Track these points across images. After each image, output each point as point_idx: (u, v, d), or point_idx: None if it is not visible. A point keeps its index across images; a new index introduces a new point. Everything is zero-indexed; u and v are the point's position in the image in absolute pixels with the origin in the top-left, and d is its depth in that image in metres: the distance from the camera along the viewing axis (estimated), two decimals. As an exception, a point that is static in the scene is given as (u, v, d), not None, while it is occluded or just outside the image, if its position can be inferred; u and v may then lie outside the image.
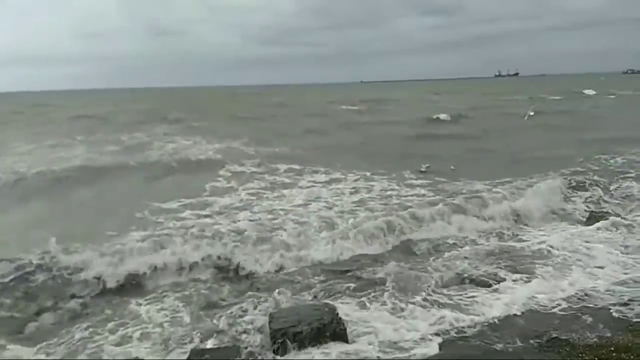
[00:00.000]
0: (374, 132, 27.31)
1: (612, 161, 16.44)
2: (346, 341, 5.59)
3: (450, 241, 9.26)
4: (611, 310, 5.84)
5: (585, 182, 13.10)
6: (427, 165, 16.66)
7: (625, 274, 7.18)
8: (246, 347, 5.53)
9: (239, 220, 10.31)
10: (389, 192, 12.79)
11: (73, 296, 7.29)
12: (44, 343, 5.94)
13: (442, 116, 34.09)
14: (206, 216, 10.89)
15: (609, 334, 5.19)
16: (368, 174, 15.04)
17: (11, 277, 7.49)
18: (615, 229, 9.23)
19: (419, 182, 13.99)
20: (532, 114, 27.45)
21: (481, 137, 25.01)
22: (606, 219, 9.69)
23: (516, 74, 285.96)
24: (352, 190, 13.10)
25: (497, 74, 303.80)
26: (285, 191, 13.14)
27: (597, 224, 9.51)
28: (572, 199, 12.01)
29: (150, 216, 10.78)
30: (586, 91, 62.63)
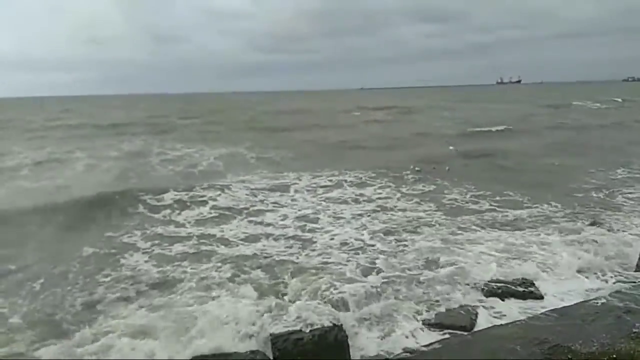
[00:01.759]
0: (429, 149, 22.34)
1: None
2: (347, 348, 5.61)
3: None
4: (613, 318, 5.81)
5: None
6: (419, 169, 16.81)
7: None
8: (247, 354, 5.49)
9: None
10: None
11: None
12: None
13: (495, 128, 30.89)
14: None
15: (610, 342, 5.15)
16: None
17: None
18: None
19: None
20: (452, 148, 20.17)
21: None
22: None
23: (518, 82, 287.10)
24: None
25: (499, 81, 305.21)
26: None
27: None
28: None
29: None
30: (616, 98, 63.48)
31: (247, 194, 13.90)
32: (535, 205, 12.43)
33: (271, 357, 5.42)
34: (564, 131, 30.64)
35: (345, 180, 15.68)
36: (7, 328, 6.48)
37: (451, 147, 20.31)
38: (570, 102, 59.75)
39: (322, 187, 14.90)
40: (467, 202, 13.05)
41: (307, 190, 14.45)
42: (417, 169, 17.10)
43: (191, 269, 8.46)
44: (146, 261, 8.90)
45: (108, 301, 7.23)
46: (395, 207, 12.68)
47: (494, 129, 30.97)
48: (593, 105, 55.72)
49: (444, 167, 17.66)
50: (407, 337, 5.99)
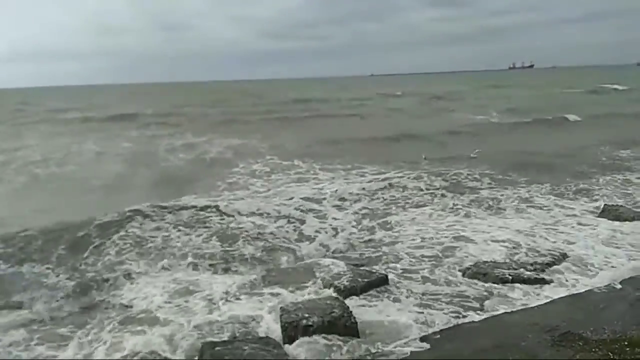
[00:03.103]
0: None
1: None
2: (357, 335, 5.61)
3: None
4: (626, 305, 5.77)
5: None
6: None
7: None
8: (257, 340, 5.54)
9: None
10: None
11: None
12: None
13: (571, 117, 27.68)
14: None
15: (622, 329, 5.12)
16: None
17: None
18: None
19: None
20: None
21: None
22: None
23: (531, 66, 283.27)
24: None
25: (512, 66, 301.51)
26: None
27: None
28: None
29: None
30: None
31: (256, 180, 13.99)
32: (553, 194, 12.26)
33: (282, 344, 5.46)
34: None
35: (365, 172, 15.04)
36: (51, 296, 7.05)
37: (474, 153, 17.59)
38: (599, 85, 57.36)
39: (337, 176, 14.73)
40: (480, 186, 13.05)
41: (319, 179, 14.38)
42: (425, 157, 16.81)
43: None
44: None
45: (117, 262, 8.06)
46: (405, 185, 12.94)
47: (550, 116, 27.89)
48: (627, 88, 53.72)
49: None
50: (416, 324, 5.96)
